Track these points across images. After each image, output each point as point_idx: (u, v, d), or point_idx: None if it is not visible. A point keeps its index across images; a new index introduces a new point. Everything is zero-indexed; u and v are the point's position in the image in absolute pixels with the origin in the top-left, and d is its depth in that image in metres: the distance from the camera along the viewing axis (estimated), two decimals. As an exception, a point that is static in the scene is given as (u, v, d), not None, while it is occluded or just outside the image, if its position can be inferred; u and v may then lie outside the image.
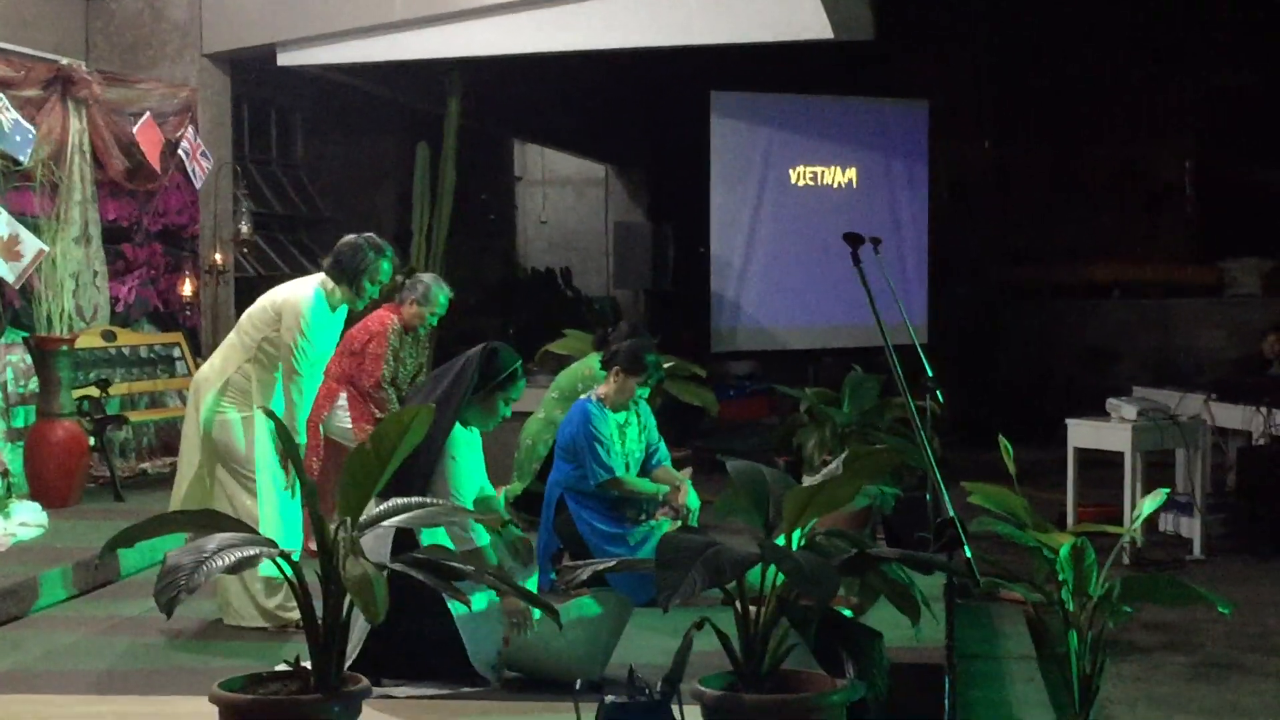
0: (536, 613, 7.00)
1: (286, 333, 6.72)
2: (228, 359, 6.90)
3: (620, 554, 7.24)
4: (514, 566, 6.12)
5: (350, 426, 8.60)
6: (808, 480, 4.77)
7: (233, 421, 6.80)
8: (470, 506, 5.95)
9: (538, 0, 11.40)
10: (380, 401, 8.62)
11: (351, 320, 7.69)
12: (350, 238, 6.95)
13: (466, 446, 6.06)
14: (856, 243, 5.37)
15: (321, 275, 6.92)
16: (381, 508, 4.62)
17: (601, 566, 4.80)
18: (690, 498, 7.67)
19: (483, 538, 5.84)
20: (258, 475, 6.78)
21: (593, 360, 9.52)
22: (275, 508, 6.78)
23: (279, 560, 4.38)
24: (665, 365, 10.94)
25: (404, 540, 5.52)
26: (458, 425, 5.98)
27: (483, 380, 6.02)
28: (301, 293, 6.81)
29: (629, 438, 7.70)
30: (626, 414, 7.71)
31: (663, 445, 7.93)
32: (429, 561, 4.52)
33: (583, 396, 7.78)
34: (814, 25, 11.04)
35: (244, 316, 7.00)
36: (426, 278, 9.00)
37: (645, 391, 7.72)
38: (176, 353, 11.06)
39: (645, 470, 7.82)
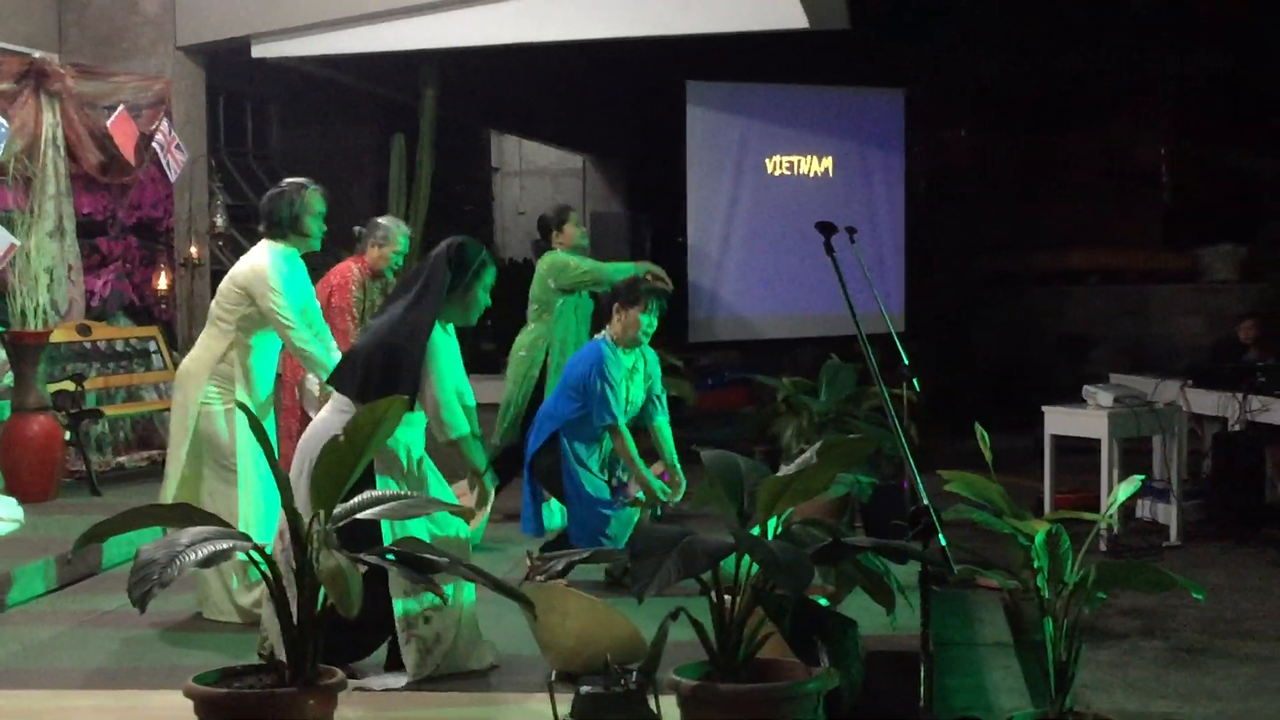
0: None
1: (262, 301, 6.71)
2: (209, 349, 6.87)
3: (596, 514, 7.47)
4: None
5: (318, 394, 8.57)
6: (785, 469, 4.76)
7: (217, 413, 6.79)
8: (455, 404, 5.87)
9: (512, -9, 11.42)
10: None
11: (315, 275, 7.63)
12: (270, 192, 6.98)
13: (445, 346, 5.99)
14: (830, 232, 5.35)
15: (264, 240, 6.91)
16: (355, 500, 4.61)
17: (577, 558, 4.80)
18: (658, 486, 7.69)
19: (462, 427, 5.80)
20: (239, 466, 6.77)
21: (546, 258, 9.60)
22: (257, 499, 6.77)
23: (252, 554, 4.37)
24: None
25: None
26: (439, 330, 5.91)
27: (457, 275, 5.96)
28: (257, 260, 6.81)
29: (634, 384, 7.74)
30: (635, 358, 7.74)
31: (663, 400, 7.96)
32: (402, 554, 4.51)
33: (596, 337, 7.81)
34: (789, 15, 11.06)
35: (213, 305, 6.98)
36: (384, 220, 9.00)
37: (652, 322, 7.73)
38: (152, 346, 11.02)
39: (643, 418, 7.86)
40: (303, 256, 6.98)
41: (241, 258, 7.02)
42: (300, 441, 5.87)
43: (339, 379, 5.86)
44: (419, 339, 5.69)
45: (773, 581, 4.36)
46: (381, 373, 5.65)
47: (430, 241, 13.01)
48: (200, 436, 6.82)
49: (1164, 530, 9.78)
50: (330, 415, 5.78)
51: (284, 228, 6.85)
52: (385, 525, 5.39)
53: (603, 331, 7.82)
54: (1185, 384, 10.23)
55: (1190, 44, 17.46)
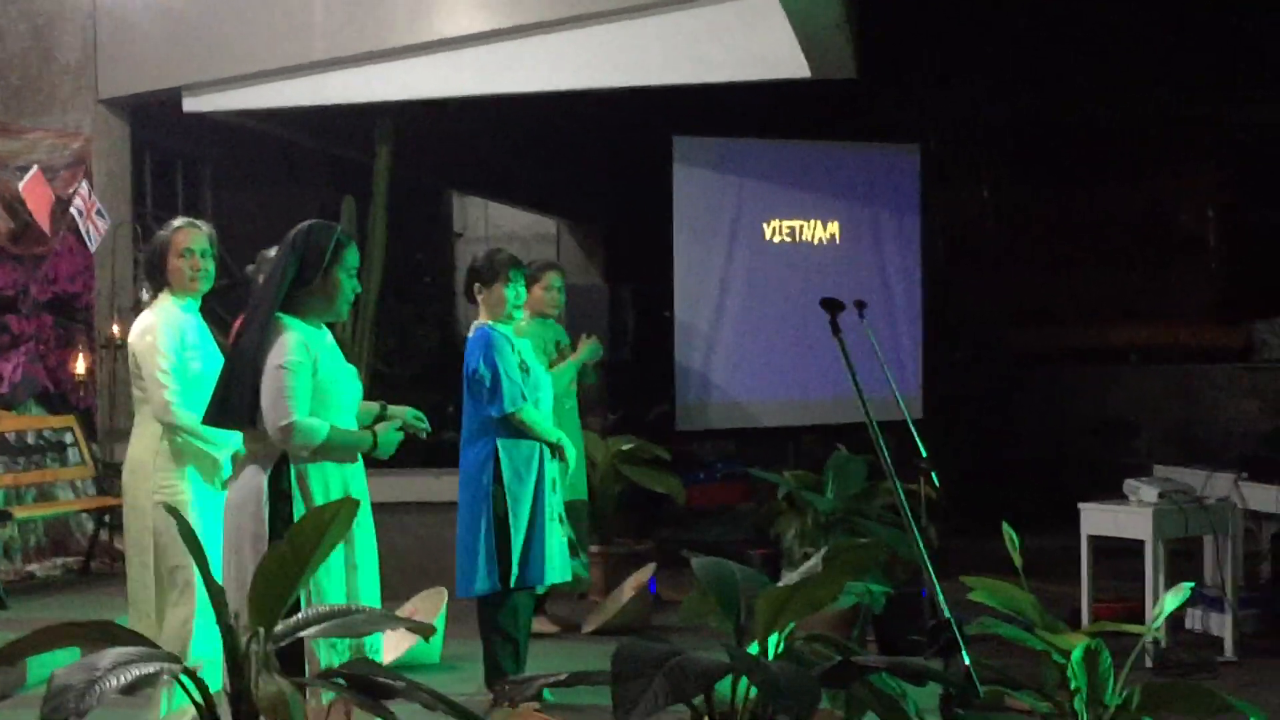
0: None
1: (147, 366, 6.66)
2: (146, 432, 6.78)
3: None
4: None
5: None
6: (787, 576, 4.76)
7: (182, 503, 6.55)
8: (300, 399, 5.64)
9: (478, 38, 11.48)
10: None
11: None
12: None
13: (324, 349, 5.83)
14: (835, 309, 5.39)
15: (157, 298, 6.91)
16: (297, 618, 4.61)
17: (550, 681, 4.79)
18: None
19: (320, 434, 5.62)
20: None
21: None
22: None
23: (183, 679, 4.36)
24: (625, 446, 11.01)
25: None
26: (307, 327, 5.77)
27: (311, 266, 5.82)
28: (144, 321, 6.80)
29: (539, 368, 7.95)
30: (534, 338, 8.23)
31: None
32: (355, 677, 4.51)
33: (475, 324, 7.87)
34: (789, 63, 11.13)
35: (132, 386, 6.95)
36: (272, 252, 9.03)
37: (519, 293, 7.84)
38: (69, 438, 11.01)
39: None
40: None
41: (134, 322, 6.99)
42: (226, 512, 5.77)
43: (207, 413, 5.80)
44: (246, 354, 5.62)
45: (774, 707, 4.35)
46: (224, 385, 5.65)
47: (382, 321, 13.09)
48: (162, 536, 6.63)
49: (1218, 643, 9.76)
50: (247, 475, 5.69)
51: (155, 276, 6.87)
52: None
53: (476, 321, 7.86)
54: (1240, 477, 10.24)
55: (1246, 90, 17.56)
